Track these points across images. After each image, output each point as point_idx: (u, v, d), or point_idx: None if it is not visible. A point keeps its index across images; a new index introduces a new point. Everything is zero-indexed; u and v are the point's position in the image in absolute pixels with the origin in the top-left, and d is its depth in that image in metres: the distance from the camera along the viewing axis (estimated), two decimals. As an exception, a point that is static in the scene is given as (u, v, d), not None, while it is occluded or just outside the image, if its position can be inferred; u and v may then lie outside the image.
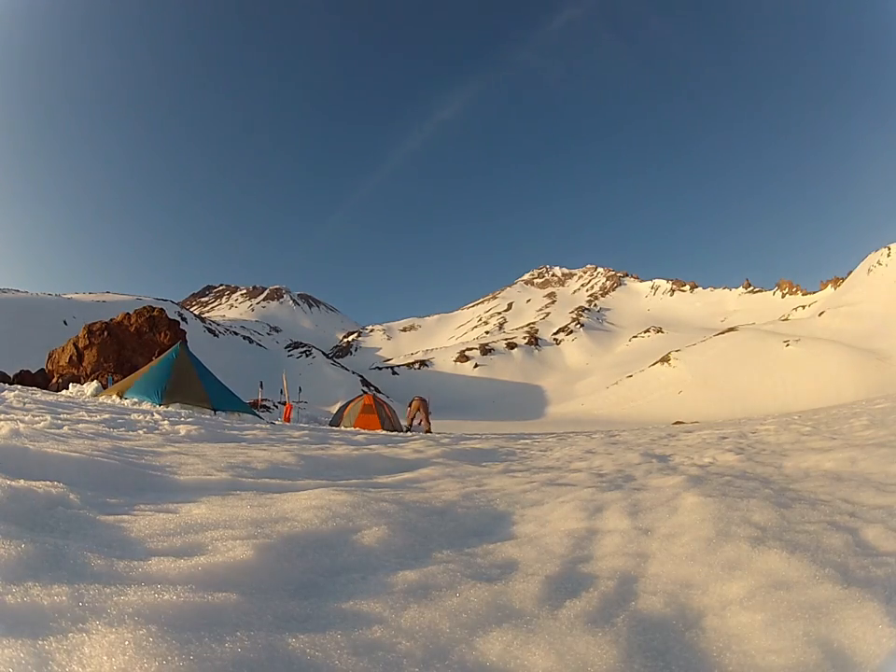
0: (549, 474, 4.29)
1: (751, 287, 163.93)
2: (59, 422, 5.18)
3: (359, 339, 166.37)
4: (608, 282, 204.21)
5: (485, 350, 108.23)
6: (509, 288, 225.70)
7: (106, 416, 6.51)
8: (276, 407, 31.41)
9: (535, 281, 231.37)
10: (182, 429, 6.02)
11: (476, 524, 2.59)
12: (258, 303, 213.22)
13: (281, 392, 20.84)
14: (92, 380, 16.02)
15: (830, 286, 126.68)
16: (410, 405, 16.46)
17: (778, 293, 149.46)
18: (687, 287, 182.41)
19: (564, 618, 1.47)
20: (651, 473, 4.00)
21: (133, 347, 22.57)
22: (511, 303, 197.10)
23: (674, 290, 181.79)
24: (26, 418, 5.07)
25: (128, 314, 24.81)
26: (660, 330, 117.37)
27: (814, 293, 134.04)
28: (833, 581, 1.57)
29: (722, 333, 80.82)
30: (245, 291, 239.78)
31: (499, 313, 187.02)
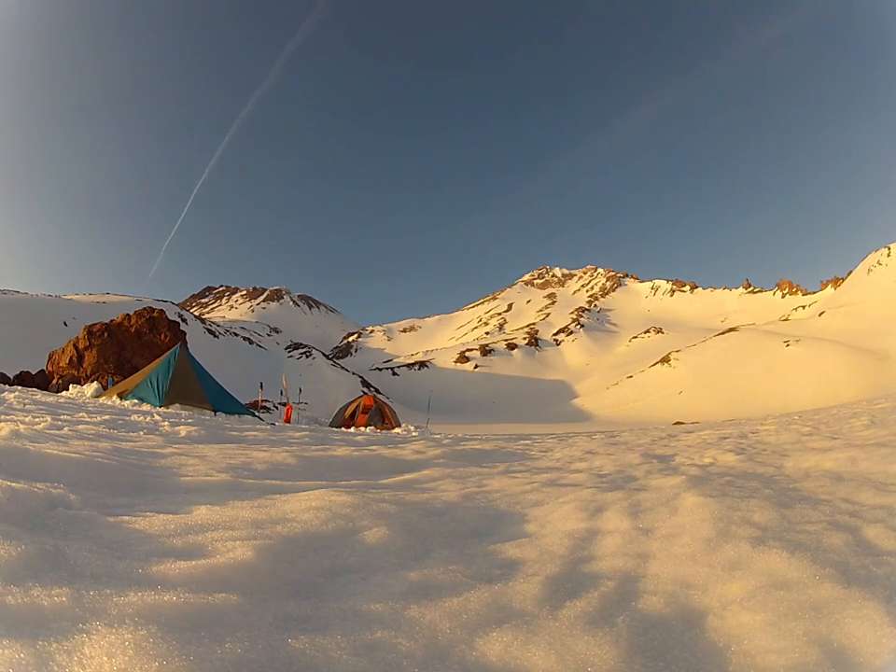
0: (549, 475, 4.28)
1: (751, 288, 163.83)
2: (59, 423, 5.18)
3: (360, 340, 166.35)
4: (607, 282, 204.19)
5: (485, 351, 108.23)
6: (509, 289, 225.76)
7: (107, 417, 6.51)
8: (276, 408, 31.41)
9: (535, 282, 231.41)
10: (182, 430, 6.02)
11: (477, 524, 2.59)
12: (258, 304, 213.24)
13: (281, 393, 20.85)
14: (93, 381, 16.02)
15: (830, 286, 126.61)
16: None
17: (778, 293, 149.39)
18: (687, 288, 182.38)
19: (564, 618, 1.47)
20: (652, 474, 4.00)
21: (133, 348, 22.57)
22: (512, 304, 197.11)
23: (674, 291, 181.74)
24: (26, 419, 5.07)
25: (128, 315, 24.80)
26: (660, 331, 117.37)
27: (814, 293, 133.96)
28: (834, 581, 1.57)
29: (722, 334, 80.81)
30: (245, 292, 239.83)
31: (499, 313, 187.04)
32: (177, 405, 10.63)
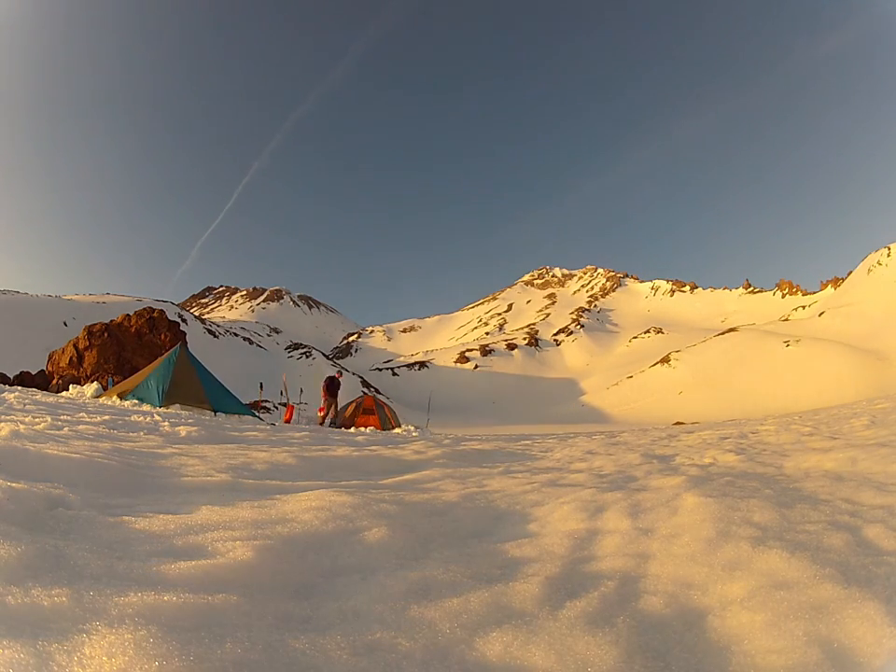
0: (549, 475, 4.28)
1: (751, 288, 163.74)
2: (59, 423, 5.18)
3: (360, 340, 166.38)
4: (608, 283, 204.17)
5: (486, 351, 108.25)
6: (509, 289, 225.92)
7: (107, 418, 6.51)
8: (276, 408, 31.42)
9: (535, 282, 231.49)
10: (182, 431, 6.02)
11: (476, 524, 2.59)
12: (258, 305, 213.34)
13: (281, 393, 20.86)
14: (93, 381, 16.02)
15: (830, 286, 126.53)
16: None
17: (778, 293, 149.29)
18: (687, 288, 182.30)
19: (564, 618, 1.46)
20: (652, 474, 3.99)
21: (133, 349, 22.57)
22: (512, 304, 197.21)
23: (674, 291, 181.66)
24: (26, 419, 5.06)
25: (128, 315, 24.80)
26: (660, 331, 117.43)
27: (814, 293, 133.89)
28: (834, 581, 1.56)
29: (722, 334, 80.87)
30: (245, 293, 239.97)
31: (499, 314, 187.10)
32: (177, 405, 10.63)
